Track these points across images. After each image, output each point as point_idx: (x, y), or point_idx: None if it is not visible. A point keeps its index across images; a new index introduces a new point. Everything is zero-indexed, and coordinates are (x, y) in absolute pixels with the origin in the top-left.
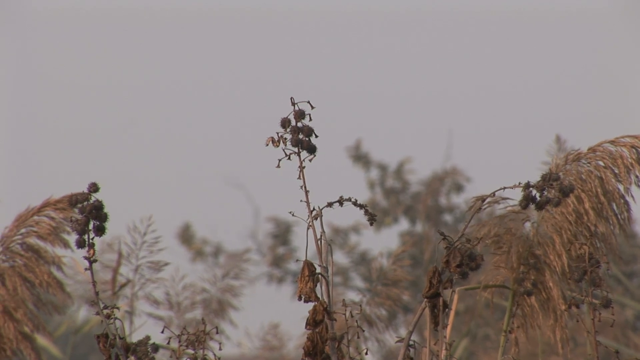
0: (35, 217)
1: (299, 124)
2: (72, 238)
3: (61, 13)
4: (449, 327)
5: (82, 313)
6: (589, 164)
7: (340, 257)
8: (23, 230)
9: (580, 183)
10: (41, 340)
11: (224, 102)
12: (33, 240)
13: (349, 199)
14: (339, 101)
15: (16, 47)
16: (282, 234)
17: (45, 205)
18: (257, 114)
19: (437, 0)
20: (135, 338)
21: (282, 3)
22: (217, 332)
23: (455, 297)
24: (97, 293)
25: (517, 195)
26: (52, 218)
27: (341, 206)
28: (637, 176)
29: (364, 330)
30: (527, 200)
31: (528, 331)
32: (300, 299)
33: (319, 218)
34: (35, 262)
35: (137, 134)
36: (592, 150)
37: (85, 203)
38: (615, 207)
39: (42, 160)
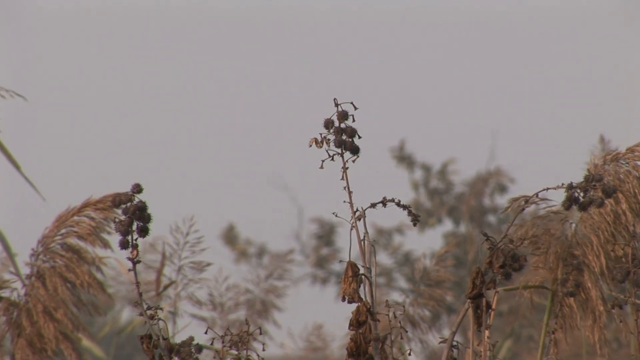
0: (76, 217)
1: (342, 125)
2: (113, 238)
3: (72, 13)
4: (491, 328)
5: (126, 314)
6: (627, 164)
7: (384, 258)
8: (63, 231)
9: (619, 183)
10: (85, 341)
11: (268, 103)
12: (73, 241)
13: (392, 200)
14: (382, 102)
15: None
16: (325, 234)
17: (86, 205)
18: (301, 115)
19: (482, 0)
20: (178, 339)
21: (326, 2)
22: (260, 333)
23: (497, 297)
24: (140, 294)
25: (560, 196)
26: (92, 218)
27: (384, 207)
28: None
29: (407, 331)
30: (570, 201)
31: (568, 332)
32: (343, 299)
33: (362, 219)
34: (76, 262)
35: (181, 135)
36: (631, 150)
37: (128, 204)
38: None
39: (82, 159)
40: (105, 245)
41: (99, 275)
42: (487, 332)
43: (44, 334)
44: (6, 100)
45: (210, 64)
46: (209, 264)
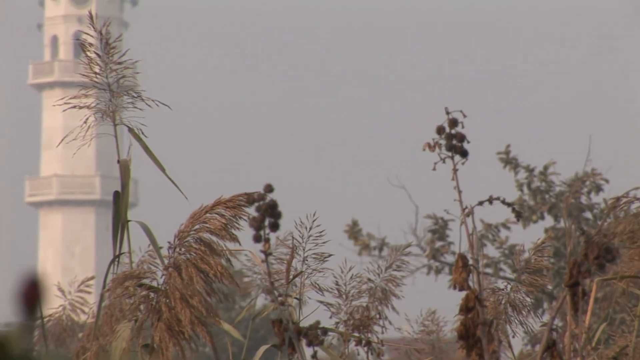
0: (208, 215)
1: (453, 131)
2: (241, 233)
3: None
4: (588, 313)
5: (260, 300)
6: None
7: (491, 251)
8: (197, 226)
9: None
10: (225, 324)
11: (389, 111)
12: (206, 235)
13: (498, 198)
14: (488, 110)
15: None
16: (439, 229)
17: (217, 204)
18: (416, 121)
19: (578, 6)
20: (306, 323)
21: (452, 9)
22: (380, 318)
23: (594, 286)
24: (272, 283)
25: None
26: (223, 215)
27: (490, 204)
28: None
29: (511, 316)
30: None
31: None
32: (454, 287)
33: (471, 215)
34: (209, 254)
35: (308, 141)
36: None
37: (261, 202)
38: None
39: (213, 163)
40: (234, 239)
41: (231, 266)
42: (586, 317)
43: (181, 318)
44: (152, 109)
45: (340, 73)
46: (330, 255)
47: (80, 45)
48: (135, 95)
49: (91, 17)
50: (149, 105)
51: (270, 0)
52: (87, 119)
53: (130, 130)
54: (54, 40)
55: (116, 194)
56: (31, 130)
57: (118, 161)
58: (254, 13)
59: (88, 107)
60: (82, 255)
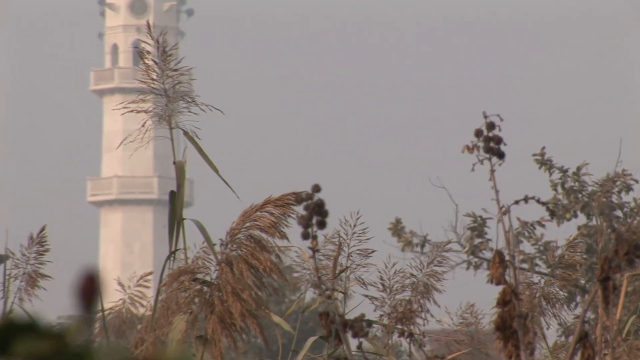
0: (258, 213)
1: (490, 134)
2: (289, 231)
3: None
4: (618, 307)
5: (309, 294)
6: None
7: (527, 247)
8: (247, 224)
9: None
10: (275, 317)
11: (430, 115)
12: (256, 233)
13: (533, 197)
14: (524, 113)
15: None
16: (477, 227)
17: (267, 203)
18: (456, 125)
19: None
20: (351, 316)
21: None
22: (422, 311)
23: (625, 281)
24: (319, 278)
25: None
26: (272, 214)
27: (526, 203)
28: None
29: (545, 309)
30: None
31: None
32: (492, 282)
33: (507, 214)
34: (259, 251)
35: (354, 143)
36: None
37: (309, 201)
38: None
39: (262, 163)
40: (282, 236)
41: (281, 262)
42: (617, 310)
43: (233, 311)
44: (206, 113)
45: (386, 78)
46: (373, 251)
47: (138, 54)
48: (190, 101)
49: (149, 27)
50: (203, 110)
51: (319, 10)
52: (145, 122)
53: (186, 133)
54: (114, 48)
55: (172, 193)
56: (93, 133)
57: (174, 163)
58: (304, 22)
59: (146, 111)
60: (141, 251)
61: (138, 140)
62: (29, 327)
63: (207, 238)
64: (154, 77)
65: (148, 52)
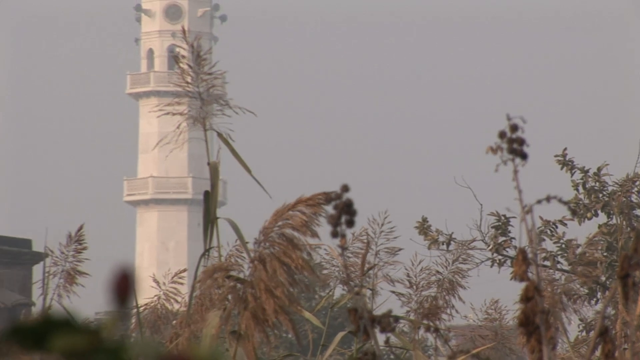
0: (290, 212)
1: (514, 136)
2: (320, 229)
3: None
4: (639, 302)
5: (338, 291)
6: None
7: (549, 245)
8: (280, 223)
9: None
10: (306, 313)
11: (456, 116)
12: (288, 231)
13: (555, 197)
14: (547, 115)
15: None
16: (501, 226)
17: (298, 202)
18: (480, 127)
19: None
20: (379, 311)
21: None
22: (447, 307)
23: None
24: (348, 275)
25: None
26: (304, 213)
27: (548, 203)
28: None
29: (566, 305)
30: None
31: None
32: (515, 279)
33: (530, 213)
34: (291, 249)
35: (383, 144)
36: None
37: (338, 201)
38: None
39: (293, 164)
40: (314, 235)
41: (311, 260)
42: (637, 306)
43: (266, 307)
44: (239, 115)
45: (413, 79)
46: (400, 249)
47: (174, 58)
48: (224, 103)
49: (184, 32)
50: (236, 112)
51: (349, 12)
52: (180, 124)
53: (219, 135)
54: (150, 53)
55: (206, 193)
56: (129, 135)
57: (208, 163)
58: (335, 24)
59: (181, 114)
60: (176, 249)
61: (173, 142)
62: (66, 323)
63: (240, 236)
64: (189, 80)
65: (183, 57)
